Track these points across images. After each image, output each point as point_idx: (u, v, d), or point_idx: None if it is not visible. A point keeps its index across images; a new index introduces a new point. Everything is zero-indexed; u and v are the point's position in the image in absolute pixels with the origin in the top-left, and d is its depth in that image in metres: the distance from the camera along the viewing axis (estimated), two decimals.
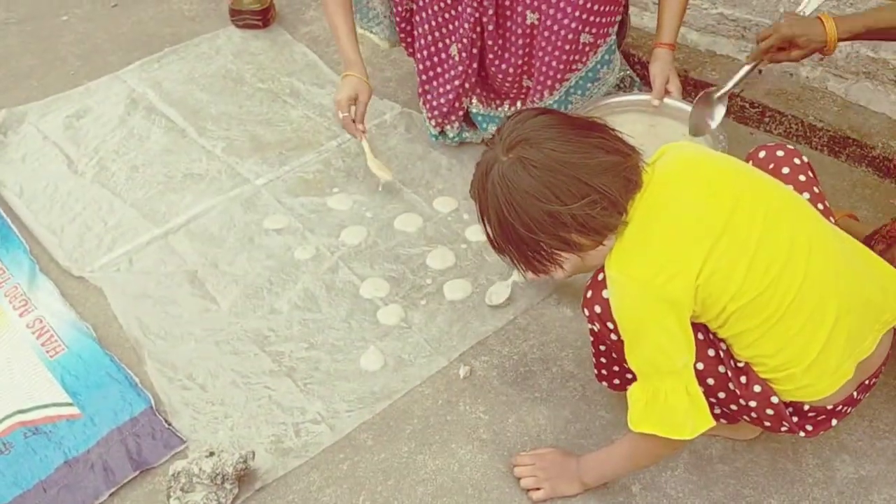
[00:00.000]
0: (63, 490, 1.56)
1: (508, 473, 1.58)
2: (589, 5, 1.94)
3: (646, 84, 2.11)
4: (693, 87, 2.35)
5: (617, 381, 1.58)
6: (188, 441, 1.64)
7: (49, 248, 2.05)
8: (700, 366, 1.33)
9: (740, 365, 1.34)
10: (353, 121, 2.07)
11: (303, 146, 2.35)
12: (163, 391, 1.73)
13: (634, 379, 1.33)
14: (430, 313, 1.88)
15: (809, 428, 1.39)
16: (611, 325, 1.34)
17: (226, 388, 1.74)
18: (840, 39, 1.59)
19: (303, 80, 2.59)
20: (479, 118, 2.24)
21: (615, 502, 1.53)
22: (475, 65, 2.14)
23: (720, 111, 1.86)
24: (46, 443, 1.63)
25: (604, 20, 2.00)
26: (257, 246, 2.05)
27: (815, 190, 1.48)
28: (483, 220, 1.32)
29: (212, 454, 1.52)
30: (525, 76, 2.14)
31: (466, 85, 2.17)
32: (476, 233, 2.04)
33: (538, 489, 1.53)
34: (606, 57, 2.08)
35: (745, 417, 1.40)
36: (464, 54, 2.11)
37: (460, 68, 2.14)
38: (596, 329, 1.40)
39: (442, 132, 2.28)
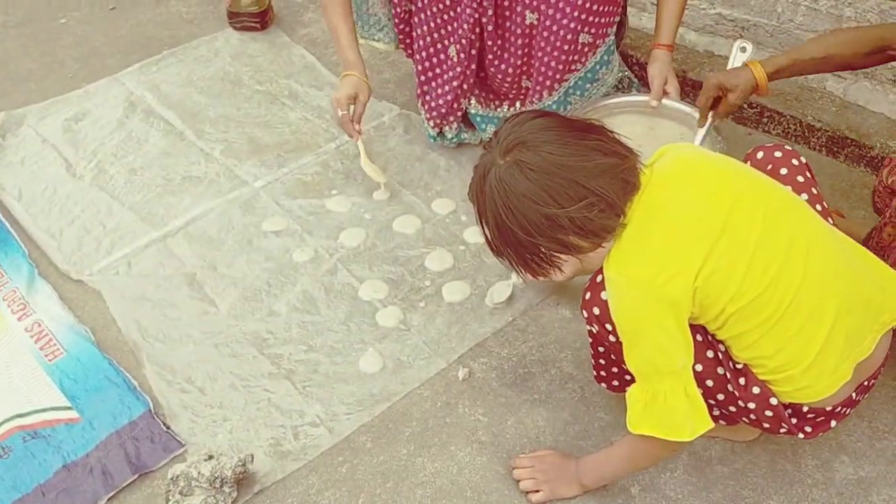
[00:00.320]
0: (62, 494, 1.56)
1: (507, 476, 1.58)
2: (588, 5, 1.94)
3: (644, 85, 2.11)
4: (691, 88, 2.34)
5: (616, 383, 1.58)
6: (187, 444, 1.64)
7: (48, 251, 2.05)
8: (699, 367, 1.33)
9: (739, 366, 1.34)
10: (351, 120, 2.07)
11: (301, 148, 2.34)
12: (161, 394, 1.73)
13: (633, 380, 1.33)
14: (428, 315, 1.88)
15: (808, 429, 1.39)
16: (609, 327, 1.34)
17: (224, 390, 1.74)
18: (770, 78, 1.71)
19: (301, 82, 2.59)
20: (478, 119, 2.24)
21: None
22: (474, 66, 2.14)
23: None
24: (45, 447, 1.63)
25: (603, 20, 2.00)
26: (256, 248, 2.05)
27: (814, 191, 1.48)
28: (481, 223, 1.31)
29: (210, 457, 1.52)
30: (524, 77, 2.13)
31: (465, 86, 2.17)
32: (474, 234, 2.03)
33: (537, 491, 1.53)
34: (605, 57, 2.07)
35: (744, 419, 1.40)
36: (462, 55, 2.11)
37: (459, 69, 2.13)
38: (595, 331, 1.40)
39: (440, 133, 2.27)
